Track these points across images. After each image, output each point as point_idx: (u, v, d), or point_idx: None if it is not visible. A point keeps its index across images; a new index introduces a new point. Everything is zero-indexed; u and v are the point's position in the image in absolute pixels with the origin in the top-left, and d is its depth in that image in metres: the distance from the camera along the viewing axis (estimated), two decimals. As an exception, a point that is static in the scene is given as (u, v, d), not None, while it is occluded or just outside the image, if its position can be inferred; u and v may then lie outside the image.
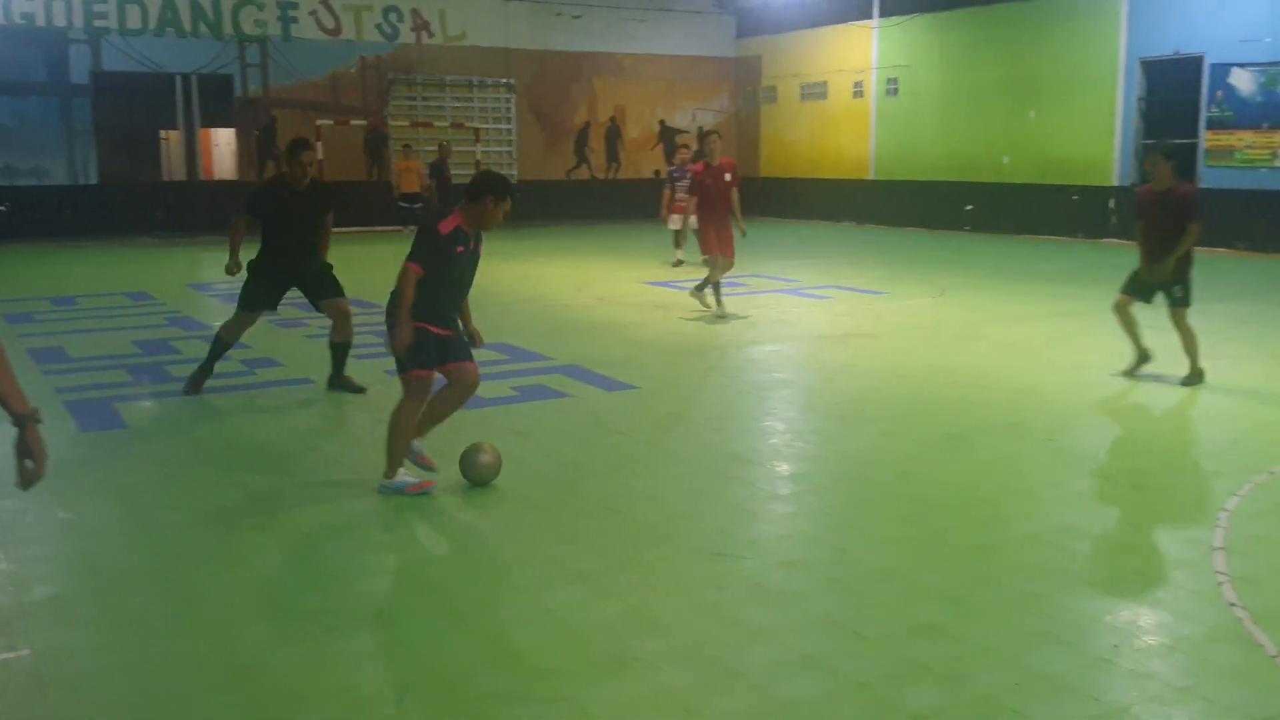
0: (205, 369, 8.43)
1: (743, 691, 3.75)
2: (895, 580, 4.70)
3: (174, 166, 26.89)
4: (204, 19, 23.62)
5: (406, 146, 23.83)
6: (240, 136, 24.94)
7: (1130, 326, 8.70)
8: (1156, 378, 8.57)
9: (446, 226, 5.82)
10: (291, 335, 11.11)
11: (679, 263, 16.64)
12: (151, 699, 3.74)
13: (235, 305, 8.55)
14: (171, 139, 26.74)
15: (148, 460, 6.67)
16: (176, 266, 18.12)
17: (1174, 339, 8.54)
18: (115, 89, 23.30)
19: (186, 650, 4.10)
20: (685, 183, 14.75)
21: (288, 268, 8.41)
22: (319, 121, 23.68)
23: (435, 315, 5.82)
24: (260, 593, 4.64)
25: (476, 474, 5.96)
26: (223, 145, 27.49)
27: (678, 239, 16.78)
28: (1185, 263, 8.40)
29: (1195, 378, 8.43)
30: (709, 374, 9.10)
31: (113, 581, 4.78)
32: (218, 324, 11.71)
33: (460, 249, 5.85)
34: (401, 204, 23.59)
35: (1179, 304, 8.47)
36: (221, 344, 8.48)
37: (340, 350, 8.46)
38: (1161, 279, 8.43)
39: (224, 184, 26.02)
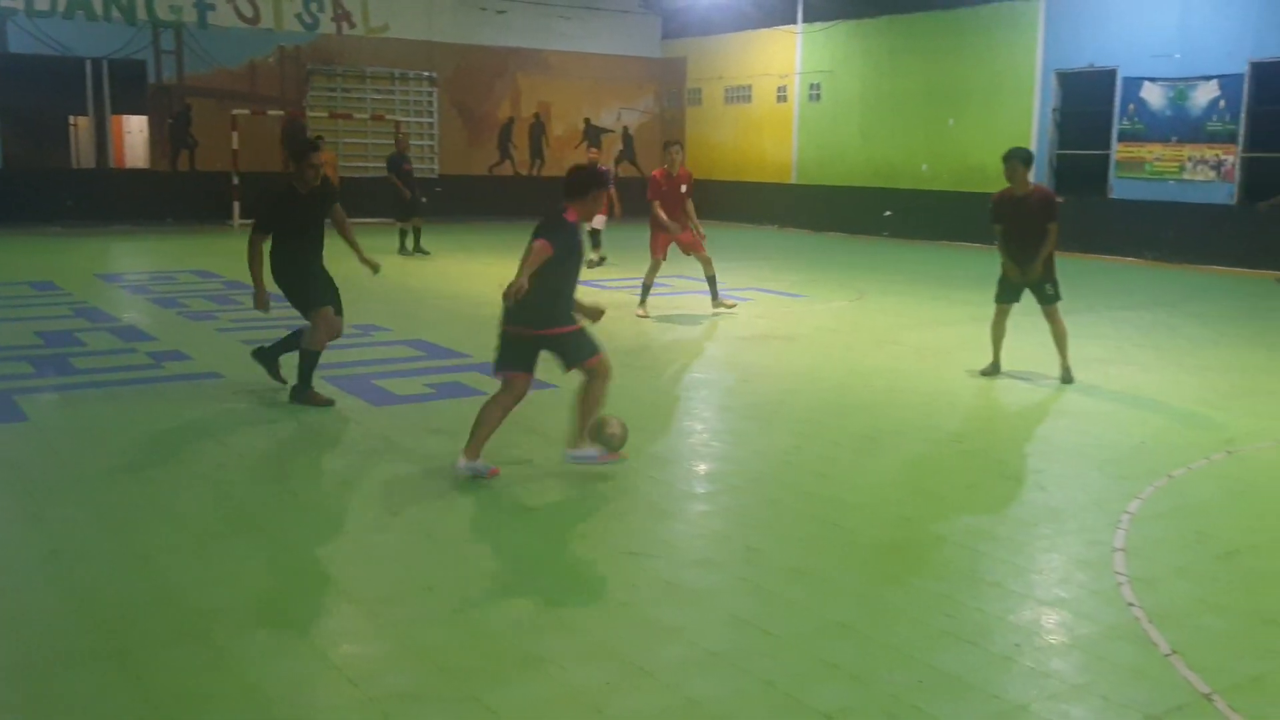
0: (305, 380, 7.75)
1: (651, 690, 3.75)
2: (806, 580, 4.73)
3: (83, 153, 26.20)
4: (116, 3, 23.01)
5: (319, 138, 23.45)
6: (153, 124, 24.34)
7: (999, 339, 9.05)
8: (1073, 386, 8.76)
9: (572, 218, 6.03)
10: (203, 328, 10.87)
11: (600, 260, 16.75)
12: (45, 698, 3.62)
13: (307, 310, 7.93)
14: (81, 125, 26.05)
15: (48, 454, 6.48)
16: (84, 256, 17.63)
17: (1087, 348, 8.74)
18: (22, 72, 22.56)
19: (82, 648, 3.98)
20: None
21: (305, 267, 7.99)
22: (235, 111, 23.23)
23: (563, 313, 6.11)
24: (159, 589, 4.52)
25: (607, 443, 6.10)
26: (135, 133, 26.87)
27: (596, 239, 16.89)
28: (1050, 261, 8.77)
29: (1068, 375, 8.74)
30: (628, 374, 9.08)
31: (7, 576, 4.63)
32: (126, 316, 11.49)
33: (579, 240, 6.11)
34: None
35: (1051, 300, 8.80)
36: (313, 355, 7.83)
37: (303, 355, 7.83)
38: (1031, 279, 8.76)
39: (136, 172, 25.43)
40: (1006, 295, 8.99)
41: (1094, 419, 7.68)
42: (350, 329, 10.90)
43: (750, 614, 4.37)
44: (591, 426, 6.12)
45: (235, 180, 23.10)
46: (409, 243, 18.16)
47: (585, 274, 15.65)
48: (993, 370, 9.05)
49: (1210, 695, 3.73)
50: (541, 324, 6.06)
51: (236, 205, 23.16)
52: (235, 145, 22.95)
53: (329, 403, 7.72)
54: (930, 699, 3.69)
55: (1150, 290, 15.41)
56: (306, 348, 7.81)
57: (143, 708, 3.58)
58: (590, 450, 6.13)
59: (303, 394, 7.70)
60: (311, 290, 7.95)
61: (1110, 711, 3.64)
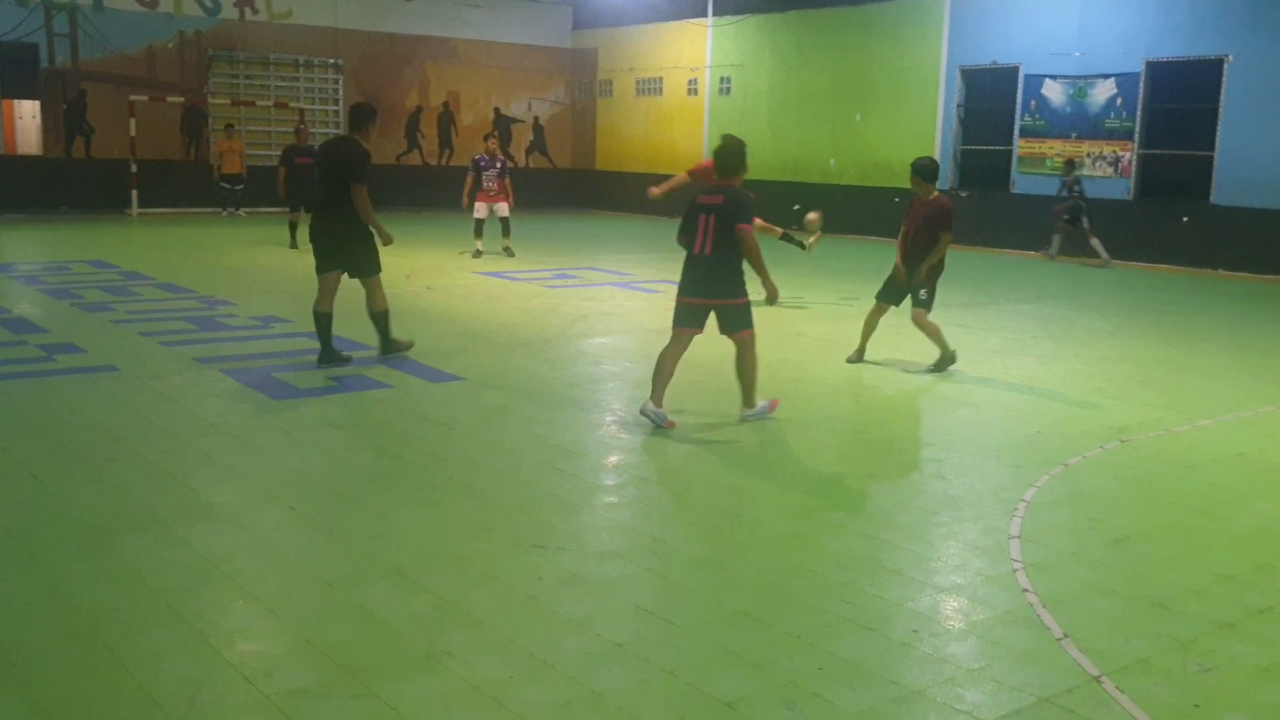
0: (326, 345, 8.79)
1: (555, 682, 3.73)
2: (709, 569, 4.77)
3: (-28, 138, 25.24)
4: (7, -17, 22.20)
5: (229, 126, 23.00)
6: (46, 110, 23.50)
7: (869, 332, 9.42)
8: (973, 377, 8.95)
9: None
10: (98, 320, 10.55)
11: (479, 253, 16.61)
12: (-81, 706, 3.49)
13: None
14: (-31, 109, 25.09)
15: (-72, 451, 6.23)
16: (-28, 245, 17.01)
17: (986, 340, 8.92)
18: (-94, 53, 21.67)
19: (-38, 653, 3.85)
20: (492, 171, 16.56)
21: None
22: (133, 97, 22.59)
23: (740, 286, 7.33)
24: (47, 590, 4.38)
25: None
26: (27, 118, 25.91)
27: (479, 228, 16.80)
28: (936, 270, 9.06)
29: (948, 359, 9.11)
30: (538, 366, 9.05)
31: (-119, 581, 4.44)
32: (17, 308, 11.10)
33: None
34: (224, 185, 22.77)
35: (921, 305, 9.09)
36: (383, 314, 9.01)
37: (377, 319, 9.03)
38: (915, 283, 9.08)
39: (28, 159, 24.52)
40: (887, 295, 9.36)
41: (992, 409, 7.86)
42: (250, 320, 10.70)
43: (654, 604, 4.39)
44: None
45: (133, 168, 22.48)
46: (299, 236, 17.44)
47: (502, 264, 15.62)
48: (857, 358, 9.38)
49: (1100, 677, 3.84)
50: (721, 295, 7.20)
51: (135, 194, 22.54)
52: (133, 132, 22.32)
53: (411, 344, 9.22)
54: (829, 685, 3.74)
55: (1047, 284, 15.81)
56: (378, 311, 8.99)
57: (28, 712, 3.46)
58: (762, 404, 7.38)
59: (389, 346, 9.04)
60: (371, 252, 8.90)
61: (1004, 694, 3.72)
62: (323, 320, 8.69)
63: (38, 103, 23.89)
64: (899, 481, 6.15)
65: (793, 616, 4.29)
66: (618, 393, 8.32)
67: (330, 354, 8.73)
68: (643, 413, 7.11)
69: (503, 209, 16.73)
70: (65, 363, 8.59)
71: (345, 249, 8.68)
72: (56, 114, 23.28)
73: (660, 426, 7.00)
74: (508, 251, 16.85)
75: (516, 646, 3.98)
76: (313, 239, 8.76)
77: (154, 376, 8.18)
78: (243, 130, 24.24)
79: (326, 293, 8.71)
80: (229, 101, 24.28)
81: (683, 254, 7.31)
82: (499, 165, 16.73)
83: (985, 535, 5.27)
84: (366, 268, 8.82)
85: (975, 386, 8.58)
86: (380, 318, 8.96)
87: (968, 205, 20.97)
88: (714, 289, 7.16)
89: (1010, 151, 20.25)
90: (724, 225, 6.98)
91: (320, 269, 8.72)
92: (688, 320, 7.28)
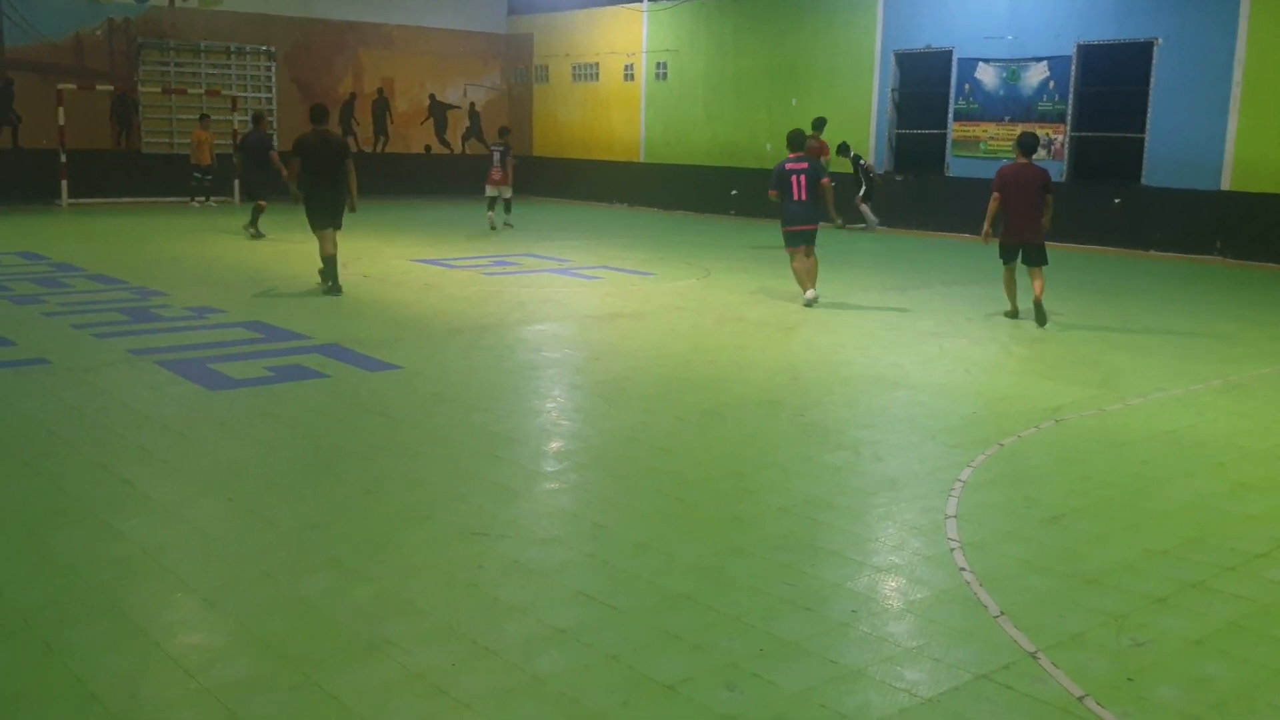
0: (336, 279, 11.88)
1: (496, 669, 3.74)
2: (650, 553, 4.79)
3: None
4: (-75, -33, 21.58)
5: (205, 117, 22.54)
6: (-30, 98, 22.93)
7: (1013, 289, 11.08)
8: (909, 359, 9.07)
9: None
10: (28, 313, 10.33)
11: (493, 227, 19.41)
12: None
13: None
14: (-112, 97, 24.35)
15: None
16: (-107, 237, 16.54)
17: (920, 322, 8.99)
18: None
19: (-110, 654, 3.77)
20: (497, 157, 19.27)
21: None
22: (61, 86, 22.10)
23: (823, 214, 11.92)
24: (-22, 589, 4.30)
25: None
26: (-51, 107, 25.22)
27: (491, 204, 19.59)
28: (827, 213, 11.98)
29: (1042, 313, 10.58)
30: (476, 354, 9.02)
31: None
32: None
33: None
34: (196, 174, 22.34)
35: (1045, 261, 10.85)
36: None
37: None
38: (1038, 241, 10.75)
39: (-49, 149, 23.90)
40: (1009, 256, 10.99)
41: (929, 391, 7.97)
42: (185, 310, 10.54)
43: (596, 589, 4.41)
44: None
45: (63, 158, 22.00)
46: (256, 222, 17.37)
47: (438, 251, 15.49)
48: (1015, 314, 11.08)
49: (1035, 654, 3.92)
50: (815, 222, 11.72)
51: (65, 184, 22.05)
52: (62, 121, 21.82)
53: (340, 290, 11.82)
54: (769, 666, 3.79)
55: (982, 266, 16.01)
56: (331, 255, 11.88)
57: (-42, 712, 3.40)
58: (812, 293, 11.62)
59: (336, 286, 11.80)
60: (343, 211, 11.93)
61: (942, 672, 3.79)
62: (334, 260, 11.82)
63: (-40, 91, 23.29)
64: (837, 463, 6.22)
65: (733, 599, 4.33)
66: (556, 379, 8.32)
67: (338, 286, 11.80)
68: (808, 304, 11.53)
69: (506, 190, 19.52)
70: (-7, 356, 8.41)
71: (335, 209, 11.72)
72: (-20, 103, 22.69)
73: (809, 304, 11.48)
74: (507, 225, 19.65)
75: (458, 634, 3.98)
76: (318, 206, 11.67)
77: (87, 369, 8.03)
78: (172, 119, 23.82)
79: (328, 241, 11.74)
80: (160, 89, 23.84)
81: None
82: (500, 152, 19.30)
83: (923, 515, 5.35)
84: (340, 222, 11.87)
85: (912, 368, 8.69)
86: (331, 260, 11.84)
87: (903, 189, 21.22)
88: (811, 219, 11.68)
89: (945, 135, 20.48)
90: (812, 180, 11.58)
91: (321, 226, 11.70)
92: (800, 241, 11.73)
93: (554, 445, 6.55)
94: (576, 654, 3.86)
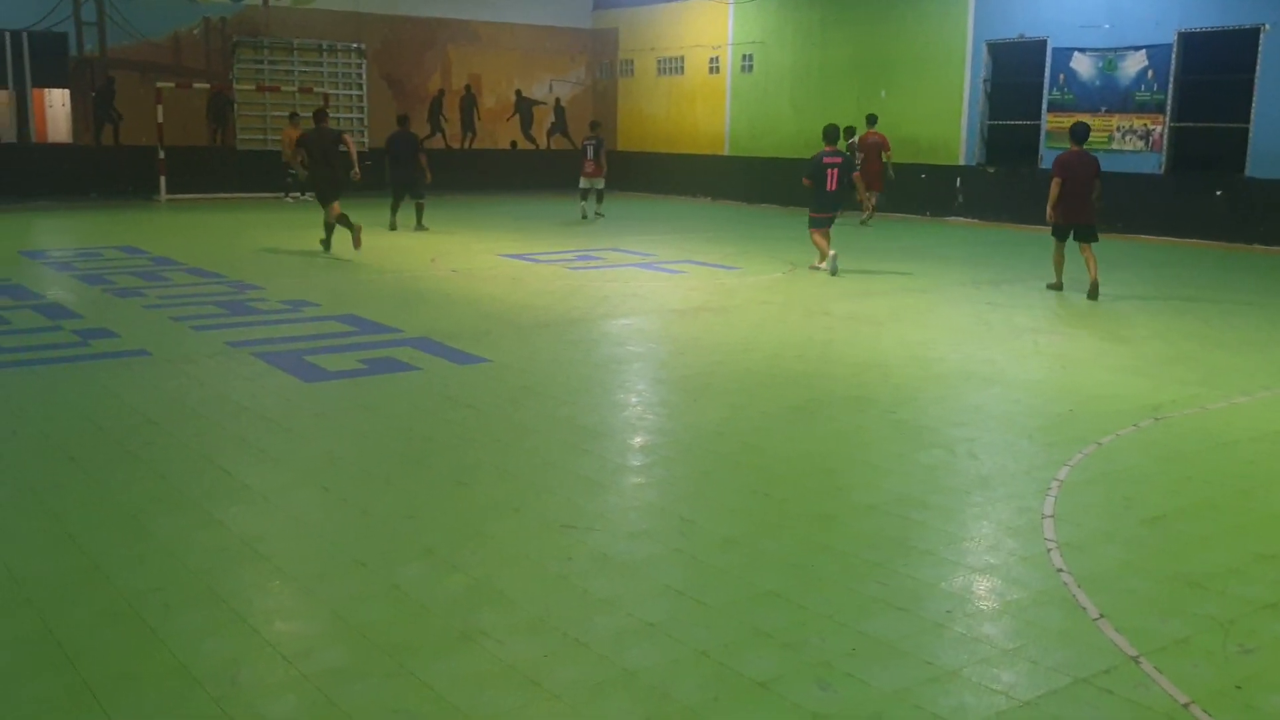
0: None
1: (587, 661, 3.75)
2: (738, 549, 4.77)
3: (3, 127, 25.42)
4: (35, -28, 22.35)
5: (294, 115, 23.03)
6: (76, 97, 23.69)
7: (1060, 265, 12.39)
8: (1003, 355, 8.91)
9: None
10: (130, 305, 10.64)
11: (584, 216, 20.41)
12: (-35, 686, 3.54)
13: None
14: (1, 99, 25.27)
15: (-34, 436, 6.31)
16: (6, 232, 17.15)
17: (1015, 318, 8.83)
18: (-64, 43, 21.86)
19: (10, 631, 3.91)
20: (590, 151, 20.29)
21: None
22: (160, 84, 22.72)
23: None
24: (88, 571, 4.43)
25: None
26: (57, 106, 26.13)
27: (584, 195, 20.58)
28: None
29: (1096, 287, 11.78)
30: (562, 347, 9.07)
31: (-76, 564, 4.50)
32: (51, 293, 11.22)
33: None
34: (291, 172, 22.88)
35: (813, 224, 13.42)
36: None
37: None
38: (1090, 222, 11.90)
39: (58, 147, 24.74)
40: (1062, 235, 12.13)
41: (1024, 388, 7.81)
42: (280, 304, 10.77)
43: (684, 585, 4.40)
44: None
45: (161, 154, 22.61)
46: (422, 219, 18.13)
47: (525, 246, 15.65)
48: (1059, 287, 12.29)
49: (1137, 658, 3.81)
50: (841, 209, 13.55)
51: (163, 180, 22.67)
52: (160, 119, 22.44)
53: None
54: (862, 665, 3.74)
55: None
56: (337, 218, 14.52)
57: (73, 690, 3.51)
58: (833, 251, 13.39)
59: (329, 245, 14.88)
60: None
61: (1040, 675, 3.71)
62: (332, 227, 14.68)
63: (67, 91, 24.10)
64: (929, 461, 6.12)
65: (824, 597, 4.28)
66: (641, 373, 8.33)
67: (329, 245, 14.83)
68: (834, 269, 13.26)
69: (599, 182, 20.46)
70: (99, 347, 8.67)
71: (335, 187, 14.68)
72: (85, 102, 23.46)
73: (827, 269, 13.28)
74: (598, 215, 20.50)
75: (548, 626, 4.00)
76: (321, 185, 14.79)
77: (186, 360, 8.24)
78: (266, 116, 24.33)
79: (331, 212, 14.51)
80: (254, 87, 24.38)
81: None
82: (593, 145, 20.27)
83: (1018, 515, 5.25)
84: (339, 196, 14.65)
85: (1006, 364, 8.53)
86: (330, 227, 14.71)
87: (994, 181, 20.84)
88: (838, 207, 13.54)
89: (1039, 126, 20.06)
90: (844, 173, 13.40)
91: (326, 201, 14.62)
92: (828, 224, 13.56)
93: (640, 439, 6.55)
94: (666, 648, 3.85)
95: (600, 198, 20.65)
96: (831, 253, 13.30)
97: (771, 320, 10.38)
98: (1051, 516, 5.19)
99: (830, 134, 13.48)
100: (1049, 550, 4.79)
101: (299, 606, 4.21)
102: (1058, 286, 12.29)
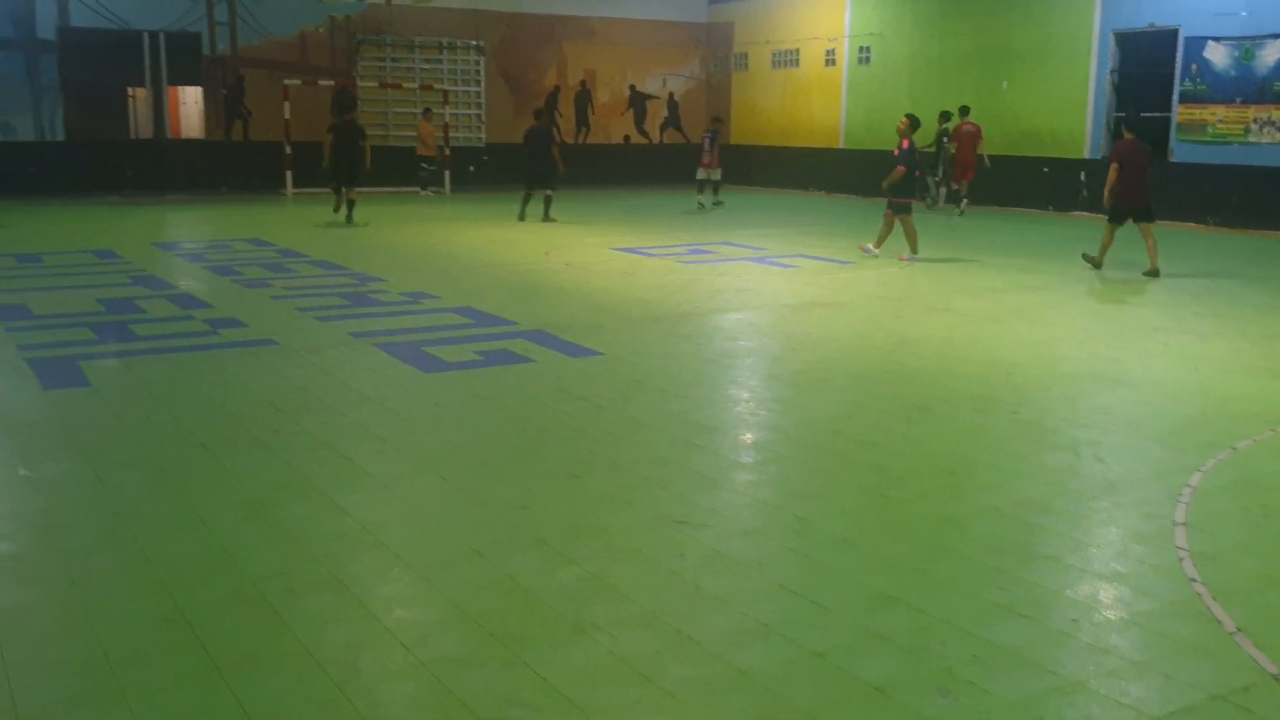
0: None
1: (700, 659, 3.73)
2: (855, 550, 4.69)
3: (141, 124, 26.46)
4: (172, -25, 23.22)
5: (427, 110, 23.69)
6: (208, 95, 24.54)
7: (1106, 248, 13.20)
8: (1131, 356, 8.62)
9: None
10: (257, 296, 10.97)
11: (700, 206, 21.13)
12: (108, 658, 3.68)
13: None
14: (139, 97, 26.30)
15: (109, 419, 6.58)
16: (143, 225, 17.87)
17: (1143, 316, 8.54)
18: (82, 45, 22.83)
19: (143, 610, 4.05)
20: (707, 142, 21.05)
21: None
22: (287, 81, 23.35)
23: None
24: (217, 554, 4.58)
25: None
26: (190, 104, 27.06)
27: (700, 187, 21.30)
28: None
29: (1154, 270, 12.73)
30: (674, 341, 9.06)
31: (72, 540, 4.70)
32: (183, 283, 11.65)
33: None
34: (422, 165, 23.45)
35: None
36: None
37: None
38: (1145, 204, 12.85)
39: (191, 142, 25.63)
40: (1117, 219, 13.01)
41: (1153, 390, 7.54)
42: (400, 296, 10.98)
43: (799, 585, 4.34)
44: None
45: (287, 150, 23.25)
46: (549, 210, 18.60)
47: (638, 240, 15.68)
48: (1094, 266, 13.11)
49: (1279, 676, 3.64)
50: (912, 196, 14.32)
51: (289, 174, 23.31)
52: (287, 115, 23.07)
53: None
54: (984, 673, 3.64)
55: (1211, 257, 15.09)
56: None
57: (202, 669, 3.62)
58: (874, 249, 14.01)
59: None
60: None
61: (1173, 690, 3.56)
62: (353, 204, 17.56)
63: (200, 89, 24.98)
64: (1054, 464, 5.94)
65: (944, 601, 4.19)
66: (754, 369, 8.27)
67: (352, 220, 17.50)
68: (866, 249, 14.01)
69: (716, 173, 21.14)
70: (228, 336, 8.96)
71: (353, 173, 17.56)
72: (217, 99, 24.29)
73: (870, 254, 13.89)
74: (717, 204, 21.20)
75: (661, 621, 3.99)
76: (341, 171, 17.58)
77: (311, 350, 8.47)
78: (388, 112, 24.83)
79: (350, 192, 17.58)
80: (376, 84, 24.91)
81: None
82: (710, 137, 21.07)
83: (1147, 521, 5.06)
84: (357, 181, 17.72)
85: (1134, 365, 8.24)
86: (351, 204, 17.57)
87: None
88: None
89: (1169, 119, 19.34)
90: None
91: (348, 184, 17.55)
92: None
93: (753, 435, 6.50)
94: (781, 649, 3.81)
95: (716, 188, 21.34)
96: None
97: (888, 316, 10.21)
98: (1183, 524, 5.00)
99: (916, 123, 14.29)
100: (1180, 559, 4.60)
101: (417, 594, 4.28)
102: (1097, 264, 13.10)
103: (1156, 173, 19.60)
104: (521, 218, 18.37)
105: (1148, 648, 3.86)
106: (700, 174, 21.25)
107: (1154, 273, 12.68)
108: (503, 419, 6.72)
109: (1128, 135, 12.97)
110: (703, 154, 21.08)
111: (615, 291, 11.49)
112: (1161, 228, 18.59)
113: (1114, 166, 12.77)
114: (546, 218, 18.38)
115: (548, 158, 18.48)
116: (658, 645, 3.82)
